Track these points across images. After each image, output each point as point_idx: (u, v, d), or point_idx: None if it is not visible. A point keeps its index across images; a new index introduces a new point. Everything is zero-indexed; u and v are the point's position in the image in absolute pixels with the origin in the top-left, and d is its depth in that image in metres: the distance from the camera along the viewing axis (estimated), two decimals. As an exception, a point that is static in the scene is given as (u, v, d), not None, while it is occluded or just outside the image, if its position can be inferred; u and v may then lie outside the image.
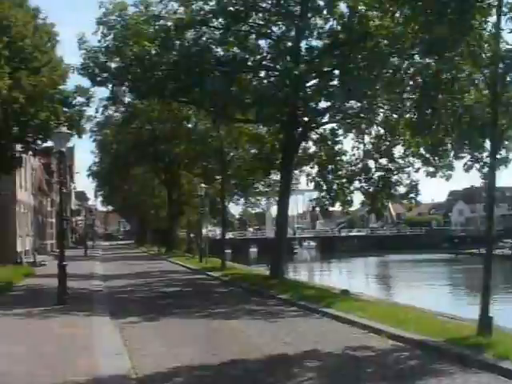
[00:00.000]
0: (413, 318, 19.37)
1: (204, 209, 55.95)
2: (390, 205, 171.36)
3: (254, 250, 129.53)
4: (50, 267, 43.36)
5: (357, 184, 37.65)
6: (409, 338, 16.53)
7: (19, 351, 15.24)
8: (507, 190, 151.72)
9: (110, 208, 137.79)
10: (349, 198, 38.49)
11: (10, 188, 51.77)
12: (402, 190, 36.51)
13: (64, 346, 16.04)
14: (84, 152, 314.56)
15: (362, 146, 37.28)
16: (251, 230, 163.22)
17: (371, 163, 37.24)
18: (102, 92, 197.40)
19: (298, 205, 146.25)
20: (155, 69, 31.58)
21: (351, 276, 72.96)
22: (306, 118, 34.49)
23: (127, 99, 67.78)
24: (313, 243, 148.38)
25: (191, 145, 52.73)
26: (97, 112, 71.81)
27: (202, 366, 14.15)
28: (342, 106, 33.19)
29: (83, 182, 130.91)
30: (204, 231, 61.65)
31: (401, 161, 35.96)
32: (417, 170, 35.22)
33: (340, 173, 37.98)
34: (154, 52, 30.95)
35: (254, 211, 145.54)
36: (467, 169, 30.93)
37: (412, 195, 36.43)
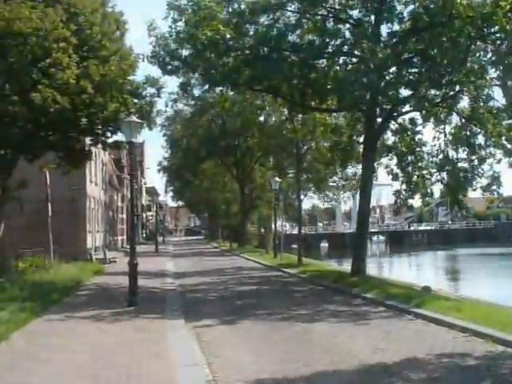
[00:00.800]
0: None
1: (278, 203, 53.98)
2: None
3: (324, 244, 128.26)
4: (120, 264, 42.12)
5: (437, 175, 35.59)
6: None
7: (84, 360, 13.84)
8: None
9: (181, 203, 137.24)
10: (429, 190, 36.48)
11: (80, 183, 51.19)
12: (483, 181, 34.26)
13: (134, 354, 14.59)
14: (154, 148, 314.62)
15: (442, 136, 35.26)
16: (321, 224, 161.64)
17: (452, 154, 35.20)
18: (172, 84, 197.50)
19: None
20: (230, 54, 29.83)
21: (425, 271, 70.62)
22: (387, 107, 32.32)
23: (197, 92, 67.43)
24: (382, 238, 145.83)
25: (264, 137, 50.56)
26: (166, 106, 72.14)
27: (293, 378, 12.39)
28: (424, 94, 31.03)
29: (154, 178, 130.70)
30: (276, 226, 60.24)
31: (482, 151, 33.83)
32: (498, 161, 33.39)
33: (420, 164, 35.89)
34: (228, 36, 29.13)
35: (325, 206, 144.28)
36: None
37: (494, 187, 34.17)
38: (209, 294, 29.05)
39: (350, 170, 45.60)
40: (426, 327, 18.08)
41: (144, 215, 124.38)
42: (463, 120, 33.62)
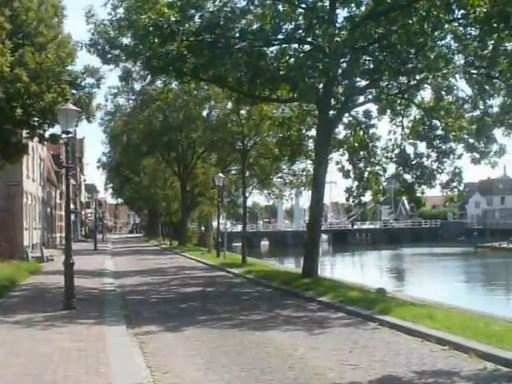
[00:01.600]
0: (500, 331, 15.42)
1: (222, 200, 51.76)
2: (403, 197, 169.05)
3: (265, 243, 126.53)
4: (58, 262, 39.48)
5: (392, 171, 34.06)
6: (509, 359, 12.75)
7: (11, 376, 11.84)
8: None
9: (120, 201, 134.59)
10: (382, 188, 34.75)
11: (16, 178, 49.03)
12: (443, 178, 32.65)
13: (70, 369, 12.46)
14: (95, 144, 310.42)
15: (399, 129, 33.49)
16: (261, 223, 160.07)
17: (409, 149, 33.52)
18: (113, 78, 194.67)
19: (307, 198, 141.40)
20: (174, 39, 27.45)
21: (371, 271, 69.56)
22: (342, 97, 30.30)
23: (138, 86, 65.07)
24: (324, 236, 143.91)
25: (208, 131, 47.77)
26: (106, 100, 69.79)
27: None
28: (384, 84, 29.14)
29: (94, 175, 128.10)
30: (216, 224, 58.47)
31: (442, 146, 32.14)
32: (459, 157, 31.68)
33: (373, 160, 34.07)
34: (173, 19, 26.70)
35: (270, 203, 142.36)
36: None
37: (455, 184, 32.47)
38: (151, 295, 26.94)
39: (298, 166, 43.70)
40: (397, 338, 16.01)
41: (83, 212, 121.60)
42: (422, 112, 31.87)
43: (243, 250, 43.65)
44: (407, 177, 33.38)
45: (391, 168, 34.15)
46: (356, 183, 34.21)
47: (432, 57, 24.42)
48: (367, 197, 35.36)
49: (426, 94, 31.60)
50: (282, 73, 26.11)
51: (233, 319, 19.56)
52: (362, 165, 34.32)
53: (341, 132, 34.62)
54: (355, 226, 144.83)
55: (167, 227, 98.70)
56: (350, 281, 35.53)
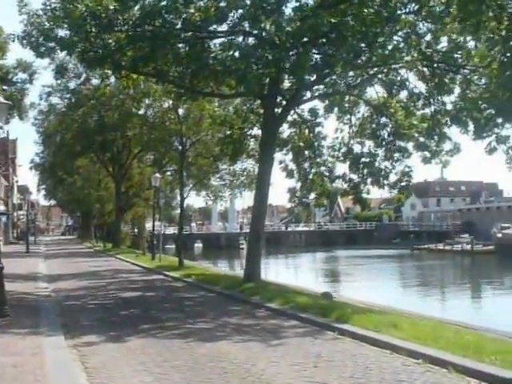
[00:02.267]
0: (473, 342, 14.05)
1: (158, 201, 49.78)
2: (339, 199, 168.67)
3: (198, 245, 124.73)
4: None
5: (338, 171, 33.20)
6: (496, 375, 11.36)
7: None
8: (462, 184, 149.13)
9: (53, 202, 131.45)
10: (327, 189, 33.40)
11: None
12: (392, 178, 31.56)
13: None
14: (28, 146, 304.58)
15: (346, 127, 32.25)
16: (194, 225, 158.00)
17: (356, 148, 32.67)
18: (47, 76, 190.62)
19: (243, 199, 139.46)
20: (113, 29, 25.53)
21: (306, 273, 68.38)
22: (288, 94, 28.71)
23: (73, 85, 62.86)
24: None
25: (145, 129, 45.28)
26: (40, 99, 67.23)
27: None
28: (331, 80, 27.77)
29: (27, 176, 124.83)
30: (149, 226, 56.75)
31: (391, 145, 31.05)
32: (408, 156, 30.87)
33: (318, 160, 32.67)
34: (111, 8, 24.75)
35: (208, 204, 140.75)
36: (490, 151, 26.32)
37: (403, 184, 31.28)
38: (88, 301, 24.96)
39: (239, 166, 42.05)
40: (363, 350, 14.46)
41: (15, 214, 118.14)
42: (371, 110, 30.58)
43: (180, 253, 41.85)
44: (353, 176, 32.28)
45: (338, 169, 33.02)
46: (300, 184, 32.93)
47: (389, 48, 23.09)
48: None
49: (375, 92, 30.04)
50: (227, 65, 24.27)
51: (179, 328, 17.86)
52: (306, 165, 32.97)
53: (285, 131, 33.22)
54: (289, 228, 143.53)
55: (101, 229, 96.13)
56: (291, 285, 33.85)
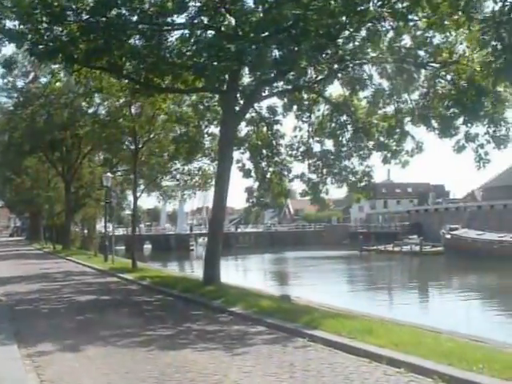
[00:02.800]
0: (455, 348, 13.15)
1: (110, 201, 48.24)
2: (288, 200, 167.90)
3: (148, 246, 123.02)
4: None
5: (296, 171, 32.19)
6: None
7: None
8: (409, 185, 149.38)
9: (1, 203, 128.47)
10: (286, 188, 32.46)
11: None
12: (352, 177, 30.85)
13: None
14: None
15: (306, 125, 31.35)
16: (142, 226, 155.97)
17: (316, 147, 31.67)
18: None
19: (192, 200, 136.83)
20: (65, 19, 24.18)
21: (260, 275, 67.28)
22: (248, 89, 27.56)
23: (21, 83, 61.13)
24: (206, 239, 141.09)
25: (97, 127, 43.23)
26: (-14, 98, 65.30)
27: None
28: (292, 76, 26.69)
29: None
30: (99, 227, 55.40)
31: (350, 144, 30.33)
32: (368, 156, 30.20)
33: (277, 159, 31.71)
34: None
35: (151, 207, 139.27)
36: (459, 149, 25.48)
37: (363, 184, 30.55)
38: (41, 305, 23.59)
39: (194, 165, 40.89)
40: (339, 358, 13.38)
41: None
42: (331, 108, 29.66)
43: (133, 255, 40.40)
44: (312, 176, 31.40)
45: (296, 168, 32.08)
46: (257, 184, 31.94)
47: (356, 42, 22.17)
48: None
49: (335, 89, 29.32)
50: (186, 58, 23.03)
51: (139, 335, 16.67)
52: (264, 164, 31.98)
53: (242, 129, 32.16)
54: (239, 230, 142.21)
55: (50, 230, 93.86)
56: (249, 287, 32.70)
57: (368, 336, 14.49)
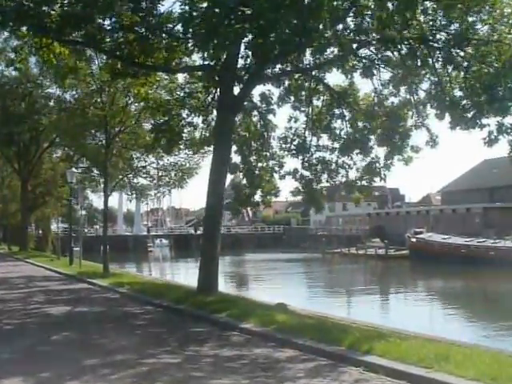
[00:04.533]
0: None
1: (77, 199, 43.96)
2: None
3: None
4: None
5: (289, 167, 28.56)
6: None
7: None
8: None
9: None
10: (276, 187, 28.79)
11: None
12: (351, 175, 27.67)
13: None
14: None
15: (302, 115, 27.86)
16: (97, 227, 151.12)
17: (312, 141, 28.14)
18: None
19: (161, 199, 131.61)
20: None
21: (225, 279, 62.72)
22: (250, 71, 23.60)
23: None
24: (165, 241, 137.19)
25: (64, 116, 38.43)
26: None
27: None
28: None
29: None
30: (54, 227, 51.21)
31: (350, 137, 26.85)
32: (367, 152, 26.73)
33: (267, 153, 28.00)
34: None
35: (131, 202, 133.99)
36: (491, 142, 21.65)
37: (365, 182, 27.12)
38: (4, 320, 19.19)
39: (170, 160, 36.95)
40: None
41: None
42: (332, 97, 26.17)
43: (105, 258, 36.18)
44: (306, 173, 27.91)
45: (289, 165, 28.59)
46: (245, 180, 28.17)
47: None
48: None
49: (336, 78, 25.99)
50: (187, 22, 18.82)
51: (138, 363, 12.77)
52: (253, 158, 28.16)
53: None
54: (198, 232, 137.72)
55: (4, 230, 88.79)
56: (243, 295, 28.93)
57: (447, 364, 10.99)
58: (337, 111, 27.27)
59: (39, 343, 15.19)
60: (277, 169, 28.38)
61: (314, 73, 25.68)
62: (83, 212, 65.47)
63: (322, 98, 27.46)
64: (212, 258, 23.37)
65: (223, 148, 24.02)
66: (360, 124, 26.60)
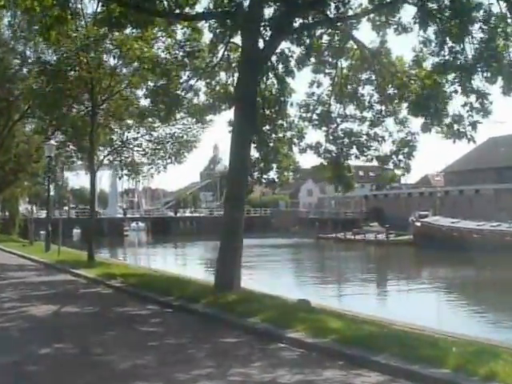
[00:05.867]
0: None
1: (54, 175, 40.76)
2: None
3: (77, 231, 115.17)
4: None
5: (310, 140, 25.57)
6: None
7: None
8: (360, 168, 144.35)
9: None
10: (296, 161, 25.97)
11: None
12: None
13: None
14: None
15: (327, 79, 24.90)
16: (66, 208, 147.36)
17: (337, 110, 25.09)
18: None
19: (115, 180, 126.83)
20: None
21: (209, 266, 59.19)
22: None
23: None
24: (142, 224, 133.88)
25: (43, 79, 34.36)
26: None
27: None
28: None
29: None
30: (22, 209, 47.74)
31: (378, 106, 24.29)
32: (402, 123, 23.85)
33: (283, 122, 24.81)
34: None
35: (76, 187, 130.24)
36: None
37: (401, 157, 24.19)
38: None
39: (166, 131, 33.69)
40: None
41: None
42: (362, 55, 23.49)
43: (90, 244, 32.77)
44: (331, 147, 25.12)
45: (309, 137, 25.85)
46: (258, 154, 24.83)
47: None
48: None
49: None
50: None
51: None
52: (268, 127, 24.84)
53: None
54: (178, 214, 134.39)
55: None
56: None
57: None
58: (364, 76, 24.36)
59: (24, 361, 11.94)
60: (296, 141, 25.28)
61: (343, 26, 22.65)
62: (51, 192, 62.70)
63: (349, 59, 24.41)
64: (234, 247, 20.20)
65: (247, 113, 20.80)
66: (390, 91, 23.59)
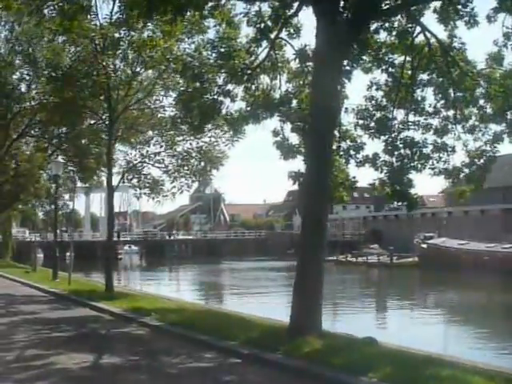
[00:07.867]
0: None
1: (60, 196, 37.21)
2: (222, 205, 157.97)
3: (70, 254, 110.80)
4: None
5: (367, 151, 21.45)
6: None
7: None
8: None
9: None
10: (351, 177, 21.43)
11: None
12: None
13: None
14: None
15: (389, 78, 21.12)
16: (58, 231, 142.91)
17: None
18: None
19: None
20: None
21: (229, 296, 55.24)
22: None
23: None
24: (135, 247, 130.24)
25: (56, 84, 29.48)
26: None
27: None
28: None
29: None
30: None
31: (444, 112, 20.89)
32: (471, 130, 20.56)
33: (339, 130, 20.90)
34: None
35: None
36: None
37: (474, 169, 20.70)
38: None
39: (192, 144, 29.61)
40: None
41: None
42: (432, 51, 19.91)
43: (109, 271, 28.77)
44: (391, 159, 21.02)
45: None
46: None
47: None
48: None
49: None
50: None
51: None
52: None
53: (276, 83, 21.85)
54: (172, 237, 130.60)
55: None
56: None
57: None
58: (425, 76, 20.79)
59: None
60: (352, 152, 21.37)
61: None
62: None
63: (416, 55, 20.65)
64: (315, 281, 16.19)
65: (327, 122, 16.96)
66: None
